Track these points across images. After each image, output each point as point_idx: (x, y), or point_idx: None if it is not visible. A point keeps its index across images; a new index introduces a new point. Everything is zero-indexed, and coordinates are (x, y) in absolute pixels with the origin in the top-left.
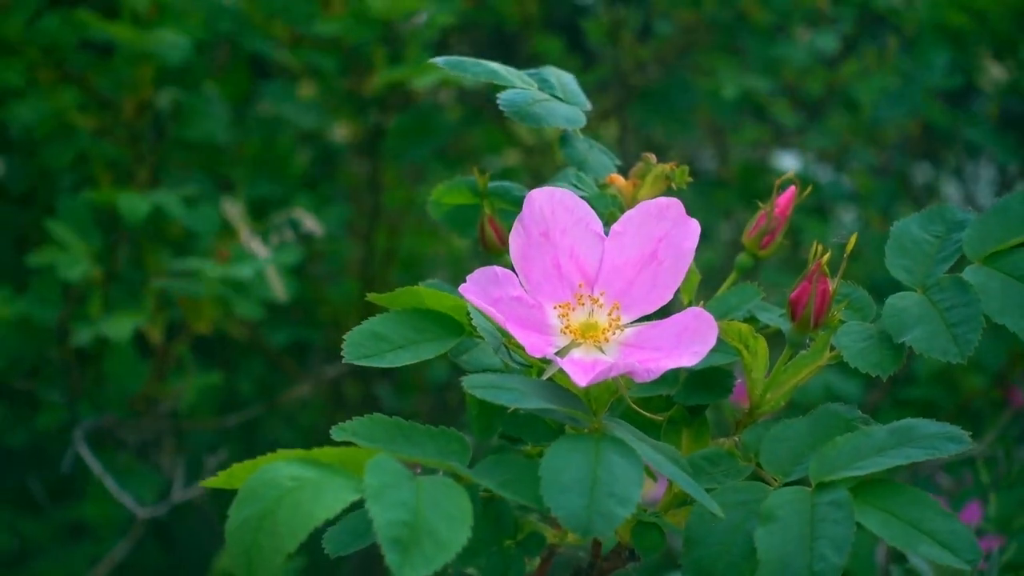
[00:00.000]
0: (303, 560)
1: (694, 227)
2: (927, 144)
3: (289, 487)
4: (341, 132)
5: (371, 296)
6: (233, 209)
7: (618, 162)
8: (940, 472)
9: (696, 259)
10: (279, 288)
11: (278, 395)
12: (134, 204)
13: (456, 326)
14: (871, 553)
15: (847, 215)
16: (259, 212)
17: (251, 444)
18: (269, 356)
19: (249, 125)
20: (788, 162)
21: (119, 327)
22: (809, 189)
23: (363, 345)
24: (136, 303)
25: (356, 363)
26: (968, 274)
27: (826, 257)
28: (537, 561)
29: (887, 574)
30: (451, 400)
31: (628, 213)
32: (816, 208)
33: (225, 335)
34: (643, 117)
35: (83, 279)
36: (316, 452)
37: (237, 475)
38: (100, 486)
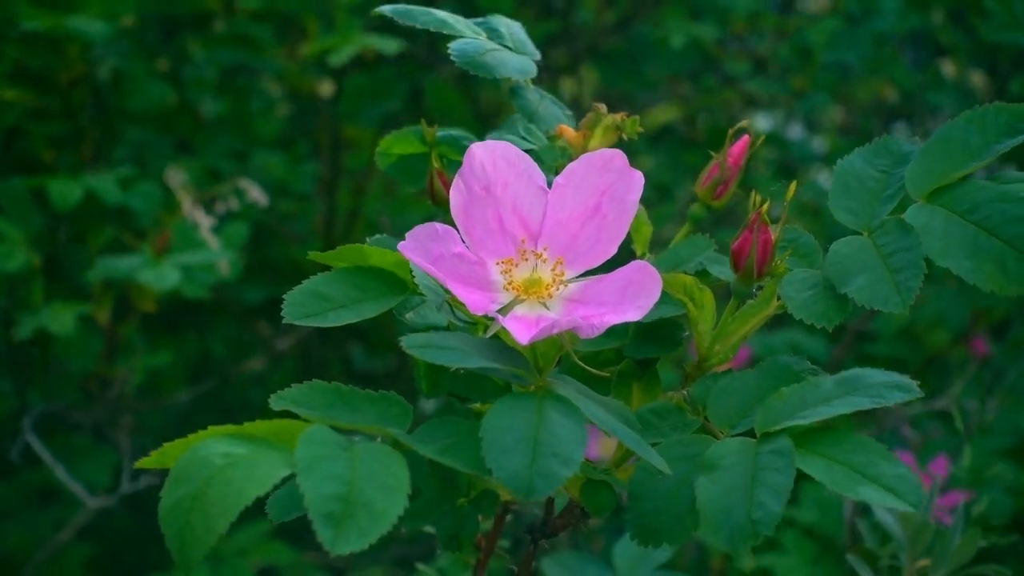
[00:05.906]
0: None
1: (638, 179)
2: (903, 106)
3: (220, 465)
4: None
5: (312, 255)
6: (176, 178)
7: (569, 112)
8: (906, 425)
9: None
10: (224, 264)
11: (250, 357)
12: (65, 190)
13: (400, 283)
14: (839, 509)
15: (821, 176)
16: (213, 176)
17: (224, 408)
18: (240, 318)
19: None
20: (761, 123)
21: (61, 319)
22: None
23: (304, 304)
24: (80, 286)
25: (296, 323)
26: (910, 214)
27: (766, 207)
28: (491, 519)
29: (853, 529)
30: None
31: (571, 165)
32: (785, 168)
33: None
34: (605, 77)
35: (22, 269)
36: (248, 426)
37: (169, 454)
38: (68, 449)
